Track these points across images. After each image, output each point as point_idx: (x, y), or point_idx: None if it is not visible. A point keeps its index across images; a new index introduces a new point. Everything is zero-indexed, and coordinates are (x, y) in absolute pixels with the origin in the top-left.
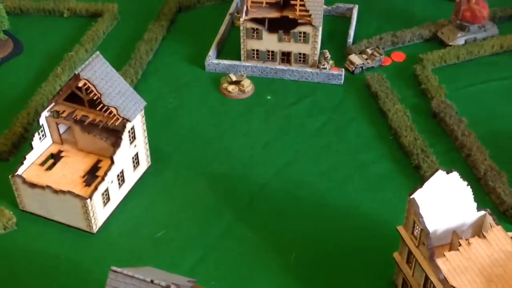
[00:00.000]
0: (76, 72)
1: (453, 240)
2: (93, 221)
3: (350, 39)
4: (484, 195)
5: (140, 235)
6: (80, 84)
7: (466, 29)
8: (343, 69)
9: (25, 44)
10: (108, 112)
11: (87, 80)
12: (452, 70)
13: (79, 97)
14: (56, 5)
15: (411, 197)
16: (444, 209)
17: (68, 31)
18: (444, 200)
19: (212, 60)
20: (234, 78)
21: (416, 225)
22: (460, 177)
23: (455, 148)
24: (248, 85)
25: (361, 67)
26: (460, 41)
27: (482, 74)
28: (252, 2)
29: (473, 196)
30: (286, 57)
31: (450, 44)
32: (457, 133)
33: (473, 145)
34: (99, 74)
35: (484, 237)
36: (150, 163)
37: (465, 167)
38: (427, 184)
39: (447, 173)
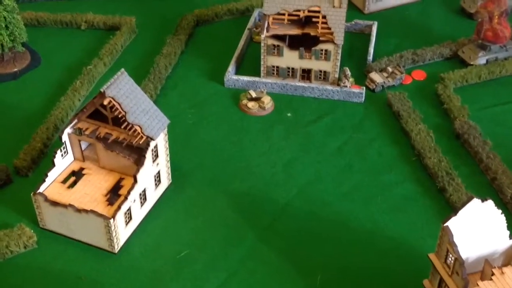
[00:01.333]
0: (102, 90)
1: (485, 268)
2: (115, 240)
3: (370, 57)
4: (511, 220)
5: (161, 255)
6: (105, 102)
7: (488, 49)
8: (364, 87)
9: (43, 56)
10: (132, 130)
11: (112, 98)
12: (474, 90)
13: (102, 114)
14: (73, 17)
15: (445, 225)
16: (477, 237)
17: (86, 44)
18: (477, 228)
19: (231, 76)
20: (254, 95)
21: (449, 253)
22: (495, 205)
23: (480, 171)
24: (268, 102)
25: (382, 85)
26: (482, 60)
27: (504, 95)
28: (273, 18)
29: (506, 224)
30: (306, 74)
31: (471, 63)
32: (481, 156)
33: (499, 168)
34: (124, 91)
35: None
36: (171, 181)
37: (491, 191)
38: (461, 212)
39: (482, 201)
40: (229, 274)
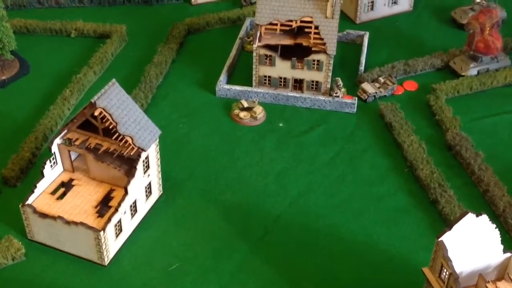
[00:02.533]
0: (92, 101)
1: (479, 283)
2: (105, 253)
3: (362, 67)
4: (504, 233)
5: (153, 267)
6: (96, 113)
7: (479, 60)
8: (356, 98)
9: (32, 64)
10: (123, 141)
11: (103, 109)
12: (466, 101)
13: (92, 124)
14: (63, 25)
15: (439, 239)
16: (471, 251)
17: (76, 52)
18: (472, 242)
19: (223, 85)
20: (246, 105)
21: (444, 268)
22: (489, 220)
23: (472, 183)
24: (260, 112)
25: (374, 95)
26: (473, 71)
27: (495, 106)
28: (265, 28)
29: (500, 239)
30: (298, 84)
31: (462, 74)
32: (473, 167)
33: (491, 180)
34: (115, 102)
35: (511, 280)
36: (162, 192)
37: (483, 203)
38: (456, 227)
39: (477, 216)
40: (220, 287)
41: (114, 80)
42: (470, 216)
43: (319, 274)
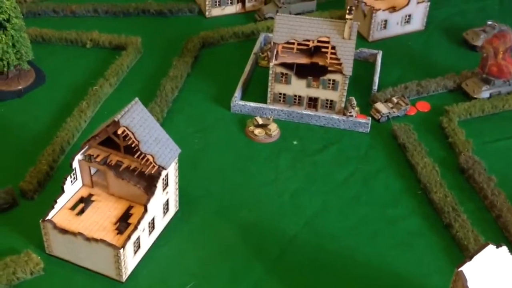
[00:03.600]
0: (116, 119)
1: None
2: (123, 270)
3: (375, 86)
4: None
5: (168, 285)
6: (119, 132)
7: (492, 83)
8: (370, 117)
9: (48, 74)
10: (144, 159)
11: (126, 128)
12: (478, 123)
13: (113, 141)
14: (78, 35)
15: (459, 270)
16: (489, 281)
17: (91, 63)
18: (490, 272)
19: (238, 101)
20: (260, 121)
21: None
22: (509, 251)
23: (485, 207)
24: (274, 129)
25: (387, 115)
26: (485, 94)
27: (508, 129)
28: (282, 47)
29: None
30: (313, 102)
31: (475, 96)
32: (486, 192)
33: (504, 206)
34: (138, 121)
35: None
36: (178, 208)
37: (496, 228)
38: (476, 257)
39: (497, 247)
40: None
41: (137, 99)
42: (490, 247)
43: None
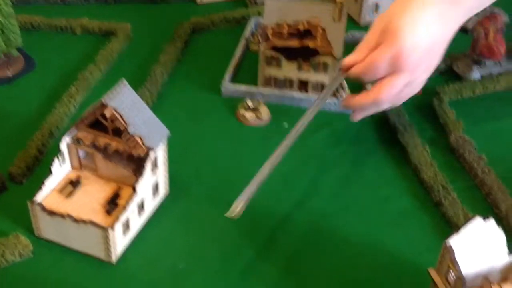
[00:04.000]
0: (103, 101)
1: (483, 286)
2: (113, 251)
3: None
4: (506, 235)
5: (159, 267)
6: (107, 114)
7: (482, 64)
8: None
9: (37, 61)
10: (132, 140)
11: (114, 109)
12: (468, 104)
13: (101, 123)
14: (68, 22)
15: (447, 243)
16: (476, 254)
17: (81, 49)
18: (477, 245)
19: (228, 85)
20: (251, 105)
21: (451, 271)
22: (496, 224)
23: (475, 185)
24: (265, 112)
25: None
26: (476, 75)
27: (498, 110)
28: (272, 30)
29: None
30: (304, 85)
31: (465, 78)
32: (476, 170)
33: (494, 183)
34: (126, 103)
35: None
36: (168, 191)
37: (486, 206)
38: (464, 231)
39: (484, 220)
40: None
41: (124, 80)
42: (478, 220)
43: (326, 276)
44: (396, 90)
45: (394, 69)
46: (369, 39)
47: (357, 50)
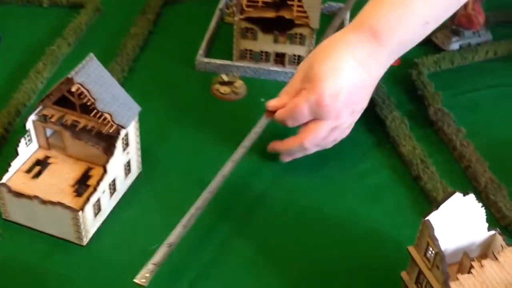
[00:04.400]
0: (69, 76)
1: (463, 261)
2: (83, 233)
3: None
4: (485, 209)
5: (133, 247)
6: (73, 89)
7: (461, 34)
8: None
9: (3, 35)
10: (101, 118)
11: (81, 85)
12: (447, 75)
13: (69, 100)
14: None
15: (425, 219)
16: (456, 229)
17: (49, 23)
18: (457, 221)
19: (202, 59)
20: (226, 79)
21: (430, 247)
22: (476, 199)
23: (454, 158)
24: (240, 86)
25: None
26: (455, 46)
27: (477, 81)
28: (247, 0)
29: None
30: (280, 58)
31: (444, 49)
32: (455, 143)
33: (472, 156)
34: (93, 78)
35: (496, 259)
36: (141, 169)
37: (465, 179)
38: (442, 206)
39: (464, 195)
40: (203, 267)
41: (92, 54)
42: (457, 195)
43: (303, 252)
44: (321, 136)
45: (317, 116)
46: (293, 83)
47: (282, 94)
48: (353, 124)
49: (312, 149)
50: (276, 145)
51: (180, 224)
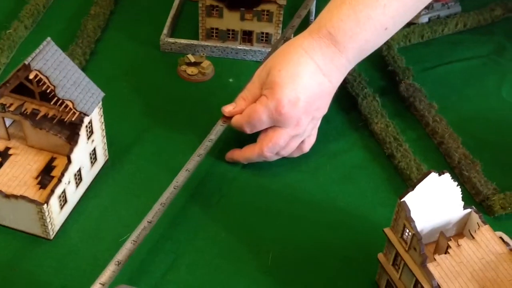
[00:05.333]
0: (26, 62)
1: (440, 241)
2: (50, 226)
3: (312, 17)
4: (459, 185)
5: (102, 239)
6: (31, 76)
7: (430, 7)
8: None
9: None
10: (63, 105)
11: (39, 71)
12: (417, 50)
13: (28, 88)
14: None
15: (401, 200)
16: (432, 209)
17: (3, 5)
18: (433, 200)
19: (167, 39)
20: (192, 59)
21: (406, 229)
22: (451, 178)
23: (426, 135)
24: (208, 67)
25: None
26: (424, 19)
27: (447, 54)
28: None
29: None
30: (247, 36)
31: (414, 22)
32: (428, 119)
33: (445, 131)
34: (52, 63)
35: (473, 237)
36: (108, 157)
37: (438, 155)
38: (418, 187)
39: (439, 174)
40: (176, 256)
41: (49, 38)
42: (433, 175)
43: (278, 237)
44: (281, 145)
45: (276, 123)
46: (250, 88)
47: (238, 99)
48: (316, 130)
49: (272, 157)
50: (234, 154)
51: (129, 240)
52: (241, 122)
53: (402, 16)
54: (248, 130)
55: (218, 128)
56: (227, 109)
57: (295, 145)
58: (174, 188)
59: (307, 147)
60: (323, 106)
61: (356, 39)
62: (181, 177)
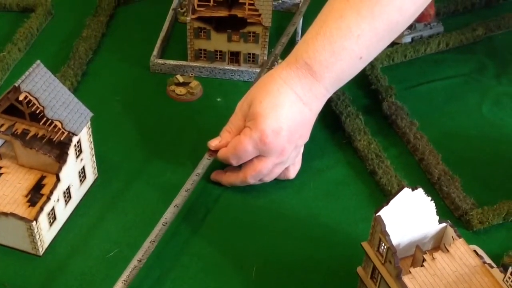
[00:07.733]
0: (16, 85)
1: (416, 254)
2: (39, 243)
3: (298, 37)
4: (439, 200)
5: (90, 255)
6: (21, 98)
7: (413, 27)
8: None
9: None
10: (52, 125)
11: (28, 93)
12: (400, 69)
13: (18, 109)
14: None
15: (376, 214)
16: (408, 223)
17: None
18: (408, 215)
19: (156, 60)
20: (181, 80)
21: (382, 242)
22: (424, 193)
23: (408, 151)
24: (196, 87)
25: None
26: (407, 39)
27: (429, 73)
28: (199, 0)
29: (436, 210)
30: (235, 57)
31: (397, 42)
32: (409, 136)
33: (426, 148)
34: (41, 85)
35: (448, 251)
36: (97, 175)
37: (419, 172)
38: (392, 201)
39: (412, 190)
40: (162, 272)
41: (38, 61)
42: (406, 190)
43: (261, 253)
44: (264, 172)
45: (261, 153)
46: (234, 121)
47: (223, 132)
48: (300, 157)
49: (256, 183)
50: (218, 176)
51: (120, 280)
52: (227, 155)
53: (375, 45)
54: (235, 162)
55: (205, 162)
56: (213, 143)
57: (279, 171)
58: (163, 225)
59: (292, 174)
60: (304, 133)
61: (332, 69)
62: (170, 213)
